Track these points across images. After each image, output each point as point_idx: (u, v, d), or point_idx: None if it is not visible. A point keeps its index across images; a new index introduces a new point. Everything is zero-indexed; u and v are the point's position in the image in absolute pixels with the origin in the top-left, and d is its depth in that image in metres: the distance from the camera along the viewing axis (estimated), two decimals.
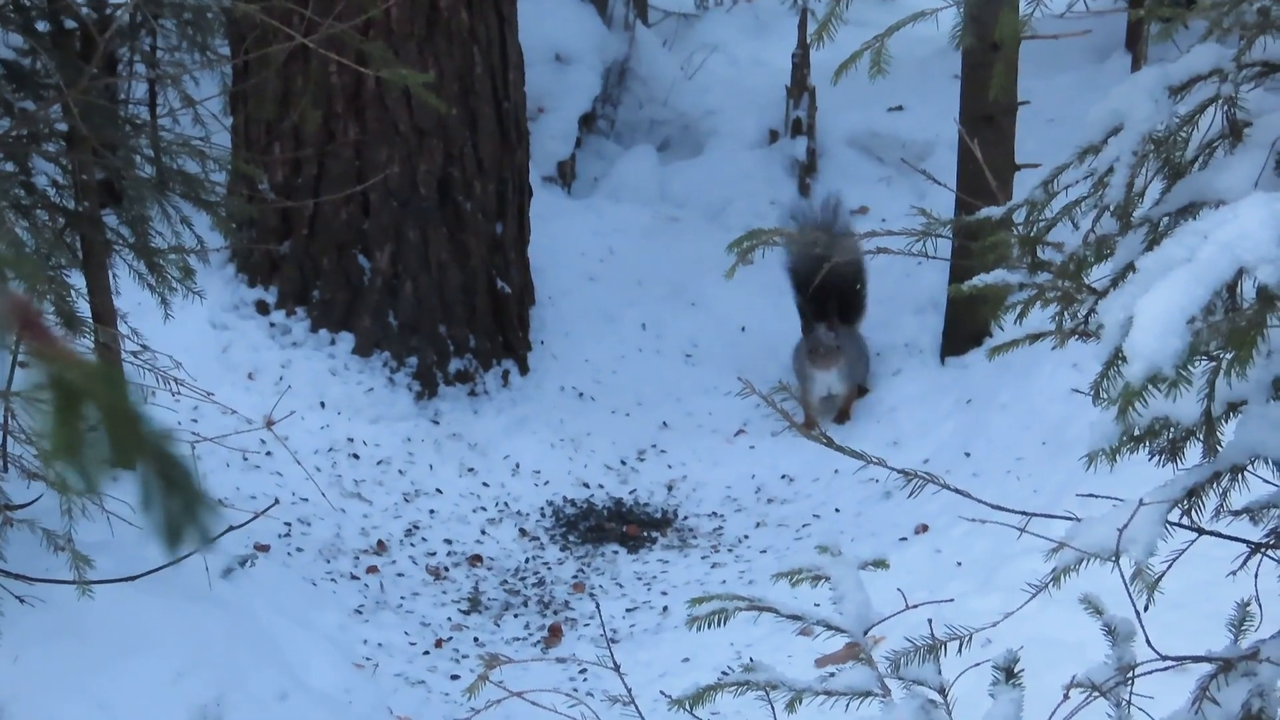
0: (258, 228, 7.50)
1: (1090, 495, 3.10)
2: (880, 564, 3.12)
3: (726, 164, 9.55)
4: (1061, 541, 2.71)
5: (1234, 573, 2.95)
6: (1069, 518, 2.91)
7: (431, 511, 6.98)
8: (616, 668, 3.41)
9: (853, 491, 6.97)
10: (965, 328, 7.46)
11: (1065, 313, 3.08)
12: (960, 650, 2.98)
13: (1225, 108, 2.84)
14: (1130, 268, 2.63)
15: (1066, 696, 2.91)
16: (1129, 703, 2.91)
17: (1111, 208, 2.88)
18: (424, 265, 7.58)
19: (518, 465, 7.36)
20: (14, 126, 5.14)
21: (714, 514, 7.19)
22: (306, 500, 6.63)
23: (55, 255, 5.14)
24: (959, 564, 5.87)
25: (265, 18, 5.51)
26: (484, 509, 7.09)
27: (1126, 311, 2.28)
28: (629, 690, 3.43)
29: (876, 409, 7.64)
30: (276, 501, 6.20)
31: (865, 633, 3.00)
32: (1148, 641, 2.91)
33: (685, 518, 7.17)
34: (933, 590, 5.60)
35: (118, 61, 6.42)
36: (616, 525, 7.10)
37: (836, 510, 6.96)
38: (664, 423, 7.82)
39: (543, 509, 7.17)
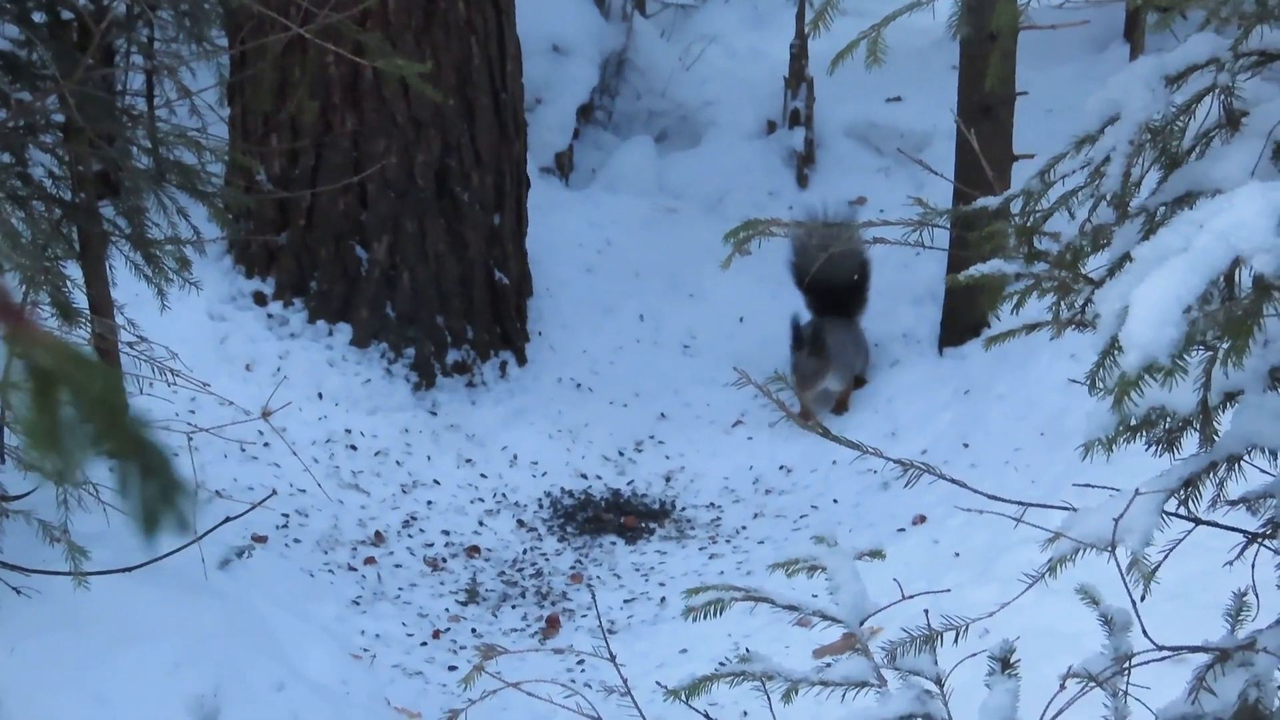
0: (255, 219, 7.49)
1: (1087, 485, 3.10)
2: (876, 554, 3.12)
3: (724, 155, 9.54)
4: (1058, 532, 2.71)
5: (1230, 563, 2.95)
6: (1066, 508, 2.91)
7: (429, 503, 6.97)
8: (613, 658, 3.40)
9: (851, 482, 6.97)
10: (963, 319, 7.46)
11: (1062, 303, 3.08)
12: (957, 641, 2.98)
13: (1222, 97, 2.84)
14: (1126, 257, 2.62)
15: (1063, 687, 2.90)
16: (1125, 693, 2.91)
17: (1108, 197, 2.87)
18: (421, 256, 7.57)
19: (515, 456, 7.35)
20: (10, 117, 5.13)
21: (712, 505, 7.19)
22: (304, 491, 6.63)
23: (52, 246, 5.13)
24: (957, 555, 5.87)
25: (262, 8, 5.50)
26: (482, 500, 7.09)
27: (1122, 301, 2.27)
28: (625, 681, 3.42)
29: (874, 400, 7.64)
30: (274, 493, 6.20)
31: (861, 623, 3.00)
32: (1144, 632, 2.91)
33: (683, 509, 7.17)
34: (930, 581, 5.60)
35: (114, 52, 6.40)
36: (614, 516, 7.10)
37: (834, 501, 6.96)
38: (662, 414, 7.82)
39: (540, 500, 7.17)
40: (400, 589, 6.36)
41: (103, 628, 4.81)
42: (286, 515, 6.53)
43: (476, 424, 7.46)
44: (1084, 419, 2.80)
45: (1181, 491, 2.73)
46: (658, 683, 5.33)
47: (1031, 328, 3.16)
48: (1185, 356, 2.25)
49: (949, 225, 3.32)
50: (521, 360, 7.91)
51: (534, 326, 8.10)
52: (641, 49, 10.16)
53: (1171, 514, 2.77)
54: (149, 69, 6.41)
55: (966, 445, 6.84)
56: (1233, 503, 2.88)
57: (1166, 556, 2.84)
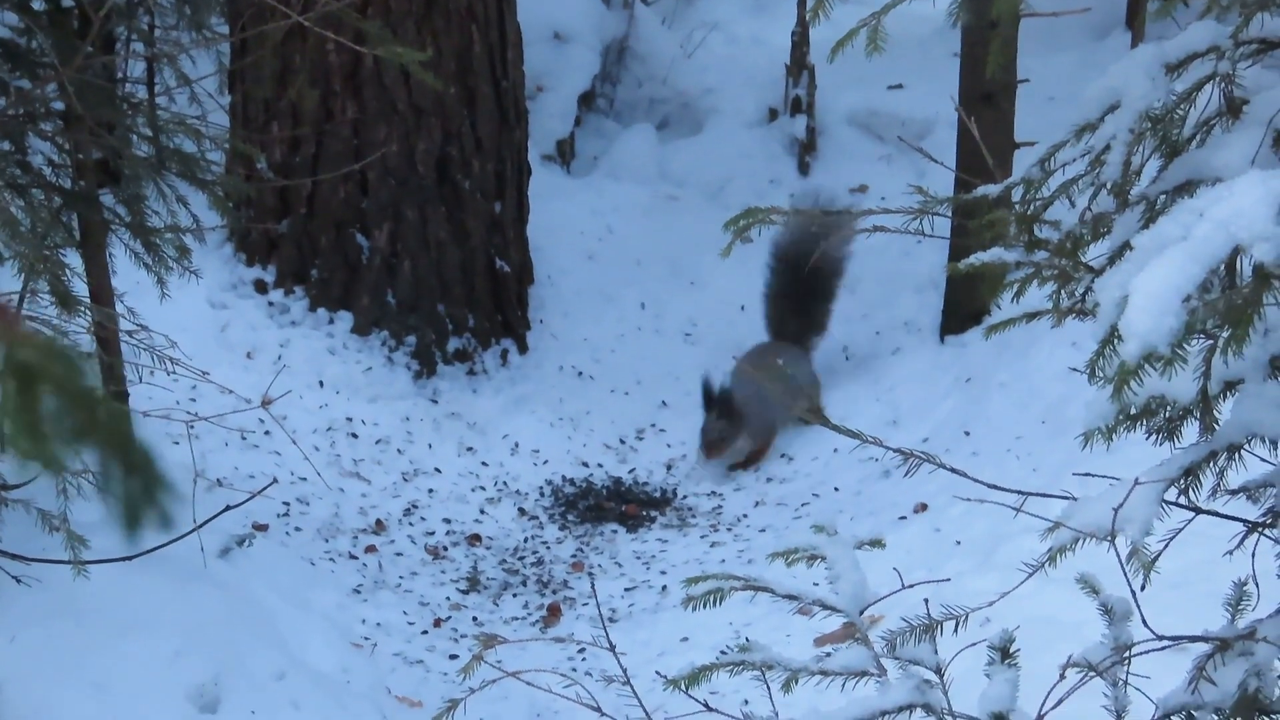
0: (256, 206, 7.48)
1: (1087, 474, 3.10)
2: (876, 544, 3.11)
3: (726, 142, 9.52)
4: (1057, 521, 2.70)
5: (1230, 552, 2.95)
6: (1065, 497, 2.90)
7: (430, 491, 6.97)
8: (612, 648, 3.40)
9: (852, 470, 6.96)
10: (965, 306, 7.44)
11: (1062, 291, 3.07)
12: (957, 630, 2.98)
13: (1223, 85, 2.83)
14: (1127, 246, 2.62)
15: (1063, 676, 2.90)
16: (1125, 683, 2.91)
17: (1108, 186, 2.87)
18: (422, 244, 7.56)
19: (517, 444, 7.35)
20: (10, 105, 5.12)
21: (713, 493, 7.18)
22: (305, 479, 6.62)
23: (52, 235, 5.13)
24: (958, 543, 5.86)
25: None
26: (483, 488, 7.09)
27: (1122, 290, 2.27)
28: (625, 671, 3.42)
29: (876, 388, 7.62)
30: (275, 481, 6.19)
31: (861, 613, 2.99)
32: (1144, 622, 2.90)
33: (684, 496, 7.16)
34: (932, 569, 5.59)
35: (115, 40, 6.40)
36: (615, 504, 7.10)
37: (836, 489, 6.95)
38: (663, 402, 7.81)
39: (542, 488, 7.16)
40: (401, 577, 6.36)
41: (102, 616, 4.81)
42: (287, 503, 6.53)
43: (478, 412, 7.46)
44: (1084, 408, 2.80)
45: (1182, 481, 2.73)
46: (657, 672, 5.33)
47: (1032, 316, 3.15)
48: (1185, 345, 2.24)
49: (950, 214, 3.31)
50: (523, 348, 7.90)
51: (535, 314, 8.09)
52: (643, 36, 10.14)
53: (1171, 503, 2.76)
54: (149, 56, 6.40)
55: (968, 433, 6.83)
56: (1233, 492, 2.88)
57: (1166, 546, 2.84)
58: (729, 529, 6.83)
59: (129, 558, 4.93)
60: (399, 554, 6.52)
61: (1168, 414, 2.76)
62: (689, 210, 8.99)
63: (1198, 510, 2.85)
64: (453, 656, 5.87)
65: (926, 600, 3.02)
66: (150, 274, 5.38)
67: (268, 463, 6.67)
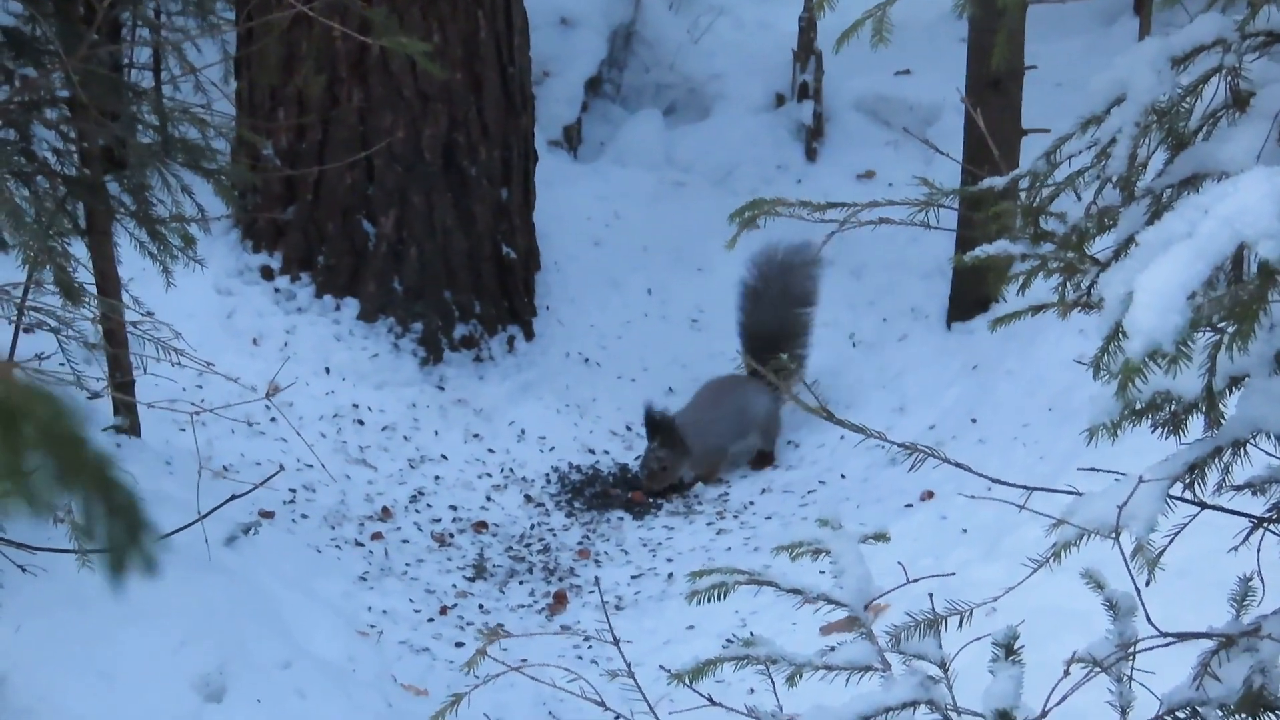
0: (262, 194, 7.48)
1: (1092, 469, 3.09)
2: (880, 537, 3.11)
3: (733, 128, 9.50)
4: (1061, 518, 2.70)
5: (1235, 548, 2.94)
6: (1070, 492, 2.90)
7: (436, 478, 6.97)
8: (616, 641, 3.40)
9: (858, 457, 6.94)
10: (972, 293, 7.43)
11: (1068, 284, 3.06)
12: (961, 625, 2.97)
13: (1228, 78, 2.82)
14: (1132, 240, 2.61)
15: (1067, 672, 2.90)
16: (1130, 678, 2.90)
17: (1114, 179, 2.86)
18: (429, 231, 7.56)
19: (523, 431, 7.34)
20: (15, 93, 5.11)
21: (719, 480, 7.18)
22: (311, 466, 6.61)
23: (57, 223, 5.12)
24: (964, 531, 5.85)
25: None
26: (489, 475, 7.08)
27: (1127, 286, 2.26)
28: (628, 664, 3.42)
29: (882, 375, 7.62)
30: (281, 468, 6.19)
31: (865, 607, 2.99)
32: (1148, 618, 2.90)
33: (690, 484, 7.16)
34: (938, 557, 5.59)
35: (120, 28, 6.38)
36: (622, 491, 7.09)
37: (842, 476, 6.94)
38: (670, 388, 7.80)
39: (548, 475, 7.16)
40: (407, 565, 6.36)
41: (107, 605, 4.80)
42: (293, 490, 6.53)
43: (484, 399, 7.45)
44: (1089, 402, 2.79)
45: (1187, 476, 2.72)
46: (660, 666, 5.33)
47: (1037, 309, 3.15)
48: (1190, 342, 2.23)
49: (956, 204, 3.30)
50: (529, 335, 7.89)
51: (541, 301, 8.08)
52: (649, 21, 10.12)
53: (1177, 498, 2.76)
54: (154, 44, 6.39)
55: (974, 420, 6.82)
56: (1238, 487, 2.87)
57: (1171, 541, 2.83)
58: (735, 516, 6.83)
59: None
60: (405, 541, 6.52)
61: (1173, 409, 2.75)
62: (696, 196, 8.97)
63: (1203, 505, 2.85)
64: (459, 644, 5.87)
65: (931, 595, 3.02)
66: (155, 262, 5.38)
67: (274, 449, 6.67)
